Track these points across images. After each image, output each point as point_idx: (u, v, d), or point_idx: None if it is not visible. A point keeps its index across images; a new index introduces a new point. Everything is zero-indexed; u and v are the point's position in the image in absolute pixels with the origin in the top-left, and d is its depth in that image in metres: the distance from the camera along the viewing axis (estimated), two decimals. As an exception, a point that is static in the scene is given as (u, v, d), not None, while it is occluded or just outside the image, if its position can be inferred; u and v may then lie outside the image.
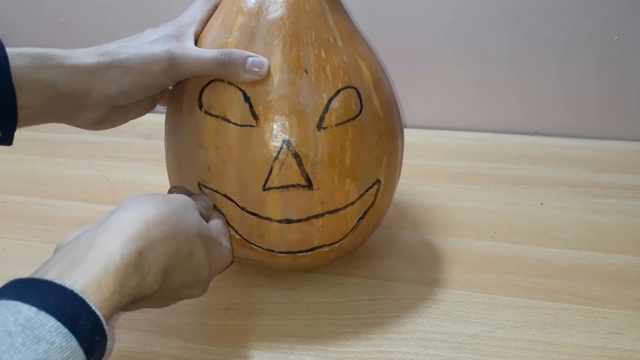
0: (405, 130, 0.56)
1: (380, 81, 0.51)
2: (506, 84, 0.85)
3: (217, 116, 0.47)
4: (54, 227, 0.65)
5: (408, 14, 0.84)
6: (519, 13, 0.81)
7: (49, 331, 0.30)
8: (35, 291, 0.32)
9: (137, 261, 0.36)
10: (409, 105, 0.88)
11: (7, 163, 0.80)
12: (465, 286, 0.55)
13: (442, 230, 0.64)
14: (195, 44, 0.49)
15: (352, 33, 0.51)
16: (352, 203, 0.49)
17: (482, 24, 0.82)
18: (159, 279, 0.38)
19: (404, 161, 0.56)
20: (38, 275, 0.33)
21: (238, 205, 0.48)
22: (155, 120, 0.55)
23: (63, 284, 0.32)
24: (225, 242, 0.46)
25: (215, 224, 0.47)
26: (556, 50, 0.82)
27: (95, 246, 0.35)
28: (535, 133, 0.87)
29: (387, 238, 0.62)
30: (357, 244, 0.55)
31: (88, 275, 0.33)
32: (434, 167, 0.77)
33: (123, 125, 0.52)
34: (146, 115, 0.54)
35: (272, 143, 0.46)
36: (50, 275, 0.33)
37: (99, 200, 0.70)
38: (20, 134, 0.47)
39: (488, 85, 0.86)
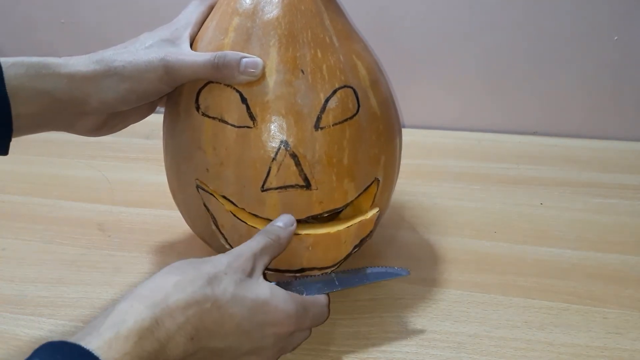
0: (405, 130, 0.56)
1: (378, 80, 0.51)
2: (506, 83, 0.85)
3: (214, 118, 0.47)
4: (54, 227, 0.65)
5: (408, 13, 0.84)
6: (519, 13, 0.81)
7: None
8: (51, 350, 0.34)
9: (152, 327, 0.37)
10: (409, 105, 0.88)
11: (7, 163, 0.79)
12: (465, 286, 0.55)
13: (442, 230, 0.64)
14: (191, 46, 0.49)
15: (348, 32, 0.51)
16: (351, 202, 0.49)
17: (482, 24, 0.82)
18: (183, 347, 0.38)
19: (403, 161, 0.56)
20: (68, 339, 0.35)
21: (237, 206, 0.48)
22: (155, 120, 0.55)
23: (78, 344, 0.34)
24: (286, 306, 0.43)
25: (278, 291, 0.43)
26: (556, 50, 0.82)
27: (113, 312, 0.37)
28: (535, 133, 0.87)
29: (386, 238, 0.62)
30: (356, 244, 0.54)
31: (101, 338, 0.35)
32: (433, 167, 0.77)
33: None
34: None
35: (270, 144, 0.46)
36: (73, 339, 0.35)
37: (99, 200, 0.70)
38: (20, 133, 0.47)
39: (488, 85, 0.86)
